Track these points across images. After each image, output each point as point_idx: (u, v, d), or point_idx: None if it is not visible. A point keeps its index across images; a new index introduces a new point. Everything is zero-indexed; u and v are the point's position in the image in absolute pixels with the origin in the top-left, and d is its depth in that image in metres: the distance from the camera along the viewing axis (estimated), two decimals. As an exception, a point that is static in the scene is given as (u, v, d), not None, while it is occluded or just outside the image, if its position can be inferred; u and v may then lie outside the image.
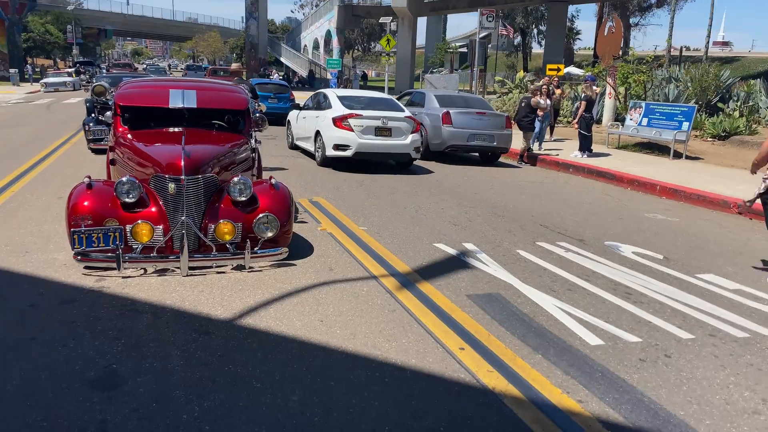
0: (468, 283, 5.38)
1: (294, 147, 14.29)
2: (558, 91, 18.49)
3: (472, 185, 10.63)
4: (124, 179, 5.21)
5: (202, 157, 5.48)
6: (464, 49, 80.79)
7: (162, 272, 5.23)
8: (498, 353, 4.00)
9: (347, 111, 11.52)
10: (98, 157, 11.68)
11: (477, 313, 4.70)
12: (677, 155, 14.44)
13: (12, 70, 46.68)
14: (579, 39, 72.93)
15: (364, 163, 11.98)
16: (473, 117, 13.50)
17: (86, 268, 5.19)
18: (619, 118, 20.50)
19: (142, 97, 6.45)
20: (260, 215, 5.40)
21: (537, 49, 71.51)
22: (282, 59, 67.45)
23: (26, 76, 45.90)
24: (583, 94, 14.47)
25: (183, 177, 5.19)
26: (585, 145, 14.39)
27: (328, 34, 60.70)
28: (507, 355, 3.98)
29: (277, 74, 54.09)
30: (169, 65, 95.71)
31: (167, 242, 5.23)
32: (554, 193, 10.34)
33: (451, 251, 6.32)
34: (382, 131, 11.44)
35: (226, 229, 5.29)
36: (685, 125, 14.45)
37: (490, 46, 67.97)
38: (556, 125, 17.84)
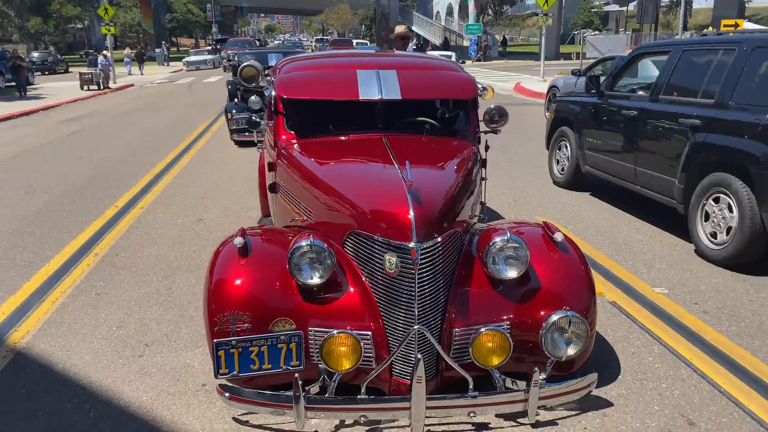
0: None
1: None
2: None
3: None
4: (303, 243, 2.80)
5: (439, 199, 2.95)
6: (614, 7, 73.93)
7: (373, 426, 2.79)
8: None
9: None
10: (244, 153, 9.75)
11: None
12: None
13: (157, 50, 47.87)
14: (752, -10, 63.37)
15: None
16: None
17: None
18: None
19: (316, 86, 4.02)
20: (554, 316, 2.77)
21: (697, 4, 63.76)
22: (414, 28, 64.61)
23: (164, 56, 46.37)
24: None
25: (414, 245, 2.69)
26: None
27: (464, -2, 56.98)
28: None
29: (412, 44, 51.45)
30: (300, 39, 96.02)
31: (385, 367, 2.79)
32: None
33: None
34: None
35: (492, 344, 2.74)
36: None
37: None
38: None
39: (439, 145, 3.92)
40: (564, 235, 3.13)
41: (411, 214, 2.71)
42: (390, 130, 3.93)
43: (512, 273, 2.89)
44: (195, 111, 16.03)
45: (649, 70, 9.00)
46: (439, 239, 2.79)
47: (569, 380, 2.81)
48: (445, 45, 52.33)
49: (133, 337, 3.66)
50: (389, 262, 2.72)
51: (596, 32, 61.69)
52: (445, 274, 2.85)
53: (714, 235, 4.85)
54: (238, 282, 2.87)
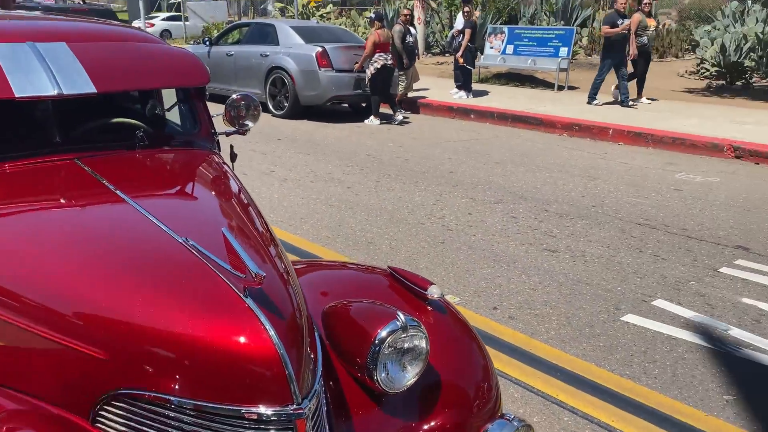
0: None
1: None
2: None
3: (426, 156, 7.45)
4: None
5: (285, 284, 1.57)
6: None
7: None
8: None
9: None
10: None
11: None
12: (558, 87, 12.84)
13: None
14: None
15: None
16: (356, 55, 10.05)
17: None
18: (432, 46, 18.63)
19: None
20: (497, 433, 1.74)
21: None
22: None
23: None
24: (464, 21, 11.82)
25: (300, 408, 1.31)
26: (467, 83, 11.97)
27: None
28: None
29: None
30: None
31: None
32: (523, 155, 7.70)
33: (673, 332, 3.33)
34: None
35: None
36: (563, 51, 12.85)
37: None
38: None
39: (179, 165, 2.42)
40: (433, 287, 2.09)
41: (274, 341, 1.31)
42: (79, 148, 2.24)
43: (411, 378, 1.75)
44: None
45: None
46: (320, 372, 1.47)
47: None
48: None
49: None
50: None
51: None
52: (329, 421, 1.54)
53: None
54: None
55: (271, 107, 10.23)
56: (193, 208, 2.00)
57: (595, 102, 10.79)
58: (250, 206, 2.09)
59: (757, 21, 15.81)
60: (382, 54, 9.34)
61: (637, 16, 10.40)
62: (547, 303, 3.65)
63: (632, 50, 10.37)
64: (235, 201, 2.09)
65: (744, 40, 13.76)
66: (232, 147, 2.82)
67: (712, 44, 14.56)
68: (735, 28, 15.98)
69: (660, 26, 14.85)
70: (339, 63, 9.73)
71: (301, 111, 10.00)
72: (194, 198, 2.14)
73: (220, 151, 2.77)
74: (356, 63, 9.65)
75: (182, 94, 2.74)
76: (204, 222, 1.76)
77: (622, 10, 10.35)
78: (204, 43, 11.65)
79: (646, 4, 10.86)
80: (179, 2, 30.74)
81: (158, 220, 1.67)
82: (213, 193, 2.18)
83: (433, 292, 2.03)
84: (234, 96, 2.77)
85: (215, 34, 14.85)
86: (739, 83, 12.95)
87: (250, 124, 2.82)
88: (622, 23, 10.11)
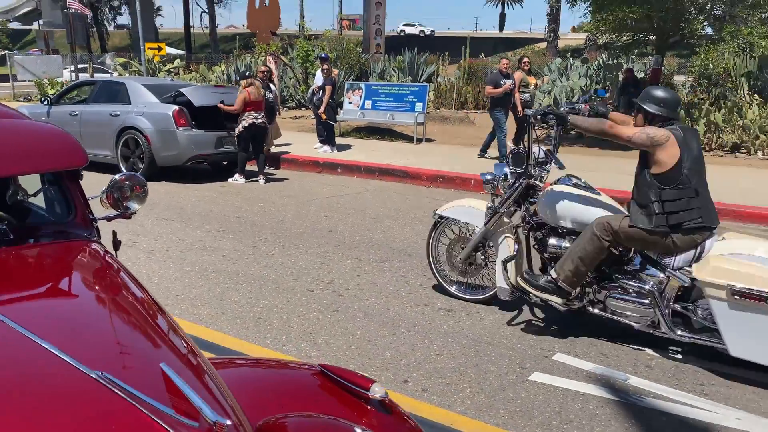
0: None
1: None
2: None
3: (301, 215, 7.22)
4: None
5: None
6: (16, 25, 68.75)
7: None
8: None
9: None
10: None
11: None
12: (417, 139, 13.30)
13: None
14: (161, 15, 69.53)
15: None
16: (215, 93, 9.69)
17: None
18: (287, 100, 18.65)
19: None
20: None
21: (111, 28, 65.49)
22: None
23: None
24: (323, 77, 11.89)
25: None
26: (330, 137, 12.02)
27: None
28: None
29: None
30: None
31: None
32: (396, 209, 7.76)
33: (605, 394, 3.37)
34: None
35: None
36: (419, 106, 13.39)
37: (41, 22, 58.05)
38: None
39: (58, 263, 2.02)
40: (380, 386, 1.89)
41: None
42: None
43: None
44: None
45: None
46: None
47: None
48: None
49: None
50: None
51: (6, 51, 55.71)
52: None
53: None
54: None
55: (124, 170, 9.48)
56: (95, 323, 1.63)
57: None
58: (158, 310, 1.77)
59: (579, 76, 17.70)
60: (252, 112, 9.08)
61: (519, 75, 11.03)
62: (456, 369, 3.56)
63: (519, 108, 10.79)
64: (140, 307, 1.76)
65: (572, 93, 15.26)
66: (115, 233, 2.46)
67: (545, 97, 16.02)
68: (562, 82, 17.72)
69: (539, 83, 16.02)
70: (205, 100, 9.30)
71: (157, 172, 9.37)
72: (93, 308, 1.77)
73: (100, 238, 2.41)
74: (221, 102, 9.28)
75: (51, 176, 2.35)
76: (115, 341, 1.42)
77: (505, 70, 10.84)
78: (42, 102, 10.63)
79: (525, 63, 11.63)
80: (4, 55, 28.25)
81: (54, 345, 1.32)
82: (112, 298, 1.83)
83: (376, 391, 1.84)
84: (116, 176, 2.44)
85: (52, 92, 13.70)
86: (573, 132, 14.23)
87: (135, 206, 2.50)
88: (505, 83, 10.53)
